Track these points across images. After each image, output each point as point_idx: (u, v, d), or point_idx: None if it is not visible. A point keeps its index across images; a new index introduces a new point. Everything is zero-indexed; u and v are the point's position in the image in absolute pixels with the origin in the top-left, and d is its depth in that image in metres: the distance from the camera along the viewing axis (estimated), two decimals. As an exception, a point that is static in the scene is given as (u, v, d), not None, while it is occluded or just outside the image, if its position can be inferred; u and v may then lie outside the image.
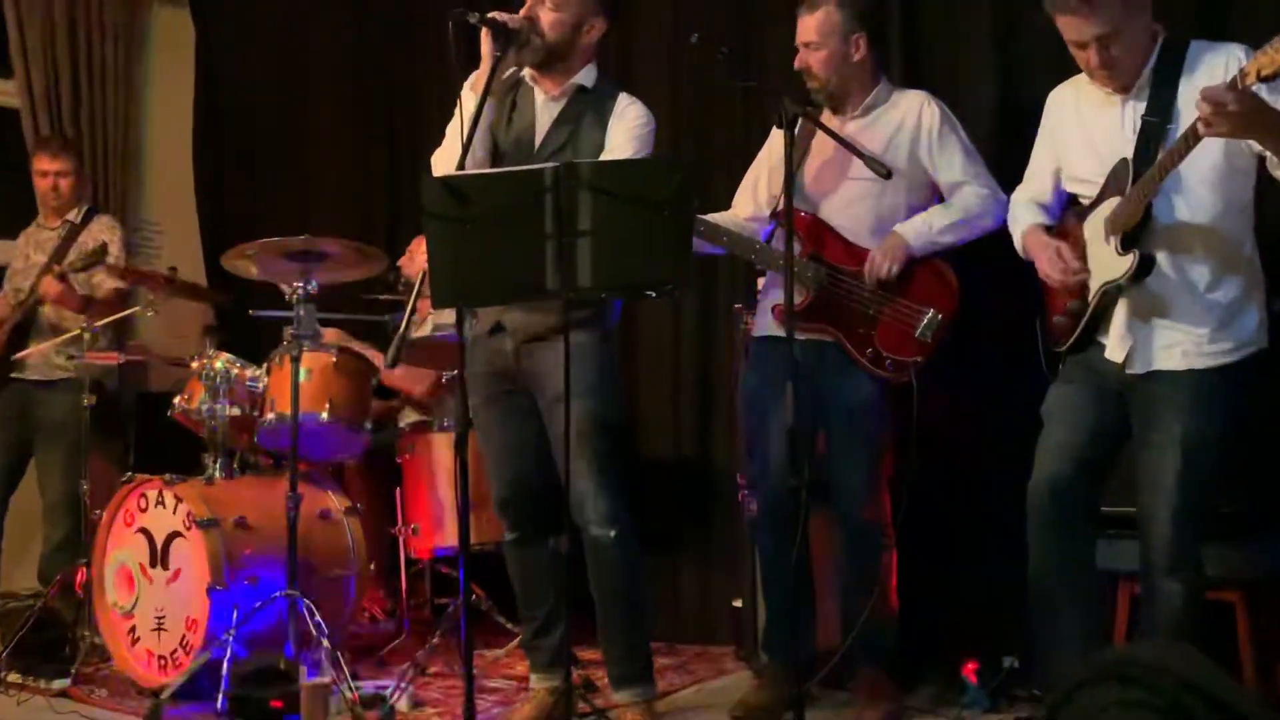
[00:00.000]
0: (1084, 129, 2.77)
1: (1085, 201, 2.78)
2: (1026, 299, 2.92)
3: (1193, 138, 2.40)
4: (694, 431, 4.29)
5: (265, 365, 3.85)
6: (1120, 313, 2.67)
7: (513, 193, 2.53)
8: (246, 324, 4.45)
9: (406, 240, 4.75)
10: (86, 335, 4.16)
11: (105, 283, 4.44)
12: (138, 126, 5.68)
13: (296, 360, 3.50)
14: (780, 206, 3.19)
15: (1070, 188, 2.86)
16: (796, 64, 3.28)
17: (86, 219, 4.61)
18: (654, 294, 2.64)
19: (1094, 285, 2.70)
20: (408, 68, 5.22)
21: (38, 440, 4.56)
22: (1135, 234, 2.60)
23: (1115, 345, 2.68)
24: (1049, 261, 2.76)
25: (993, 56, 3.68)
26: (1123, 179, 2.63)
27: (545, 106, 3.12)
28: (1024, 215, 2.94)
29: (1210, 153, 2.54)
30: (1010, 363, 3.20)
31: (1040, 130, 2.90)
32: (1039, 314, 2.90)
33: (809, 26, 3.24)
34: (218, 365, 3.85)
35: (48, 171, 4.57)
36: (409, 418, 4.55)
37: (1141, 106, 2.64)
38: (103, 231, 4.56)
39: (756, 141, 3.53)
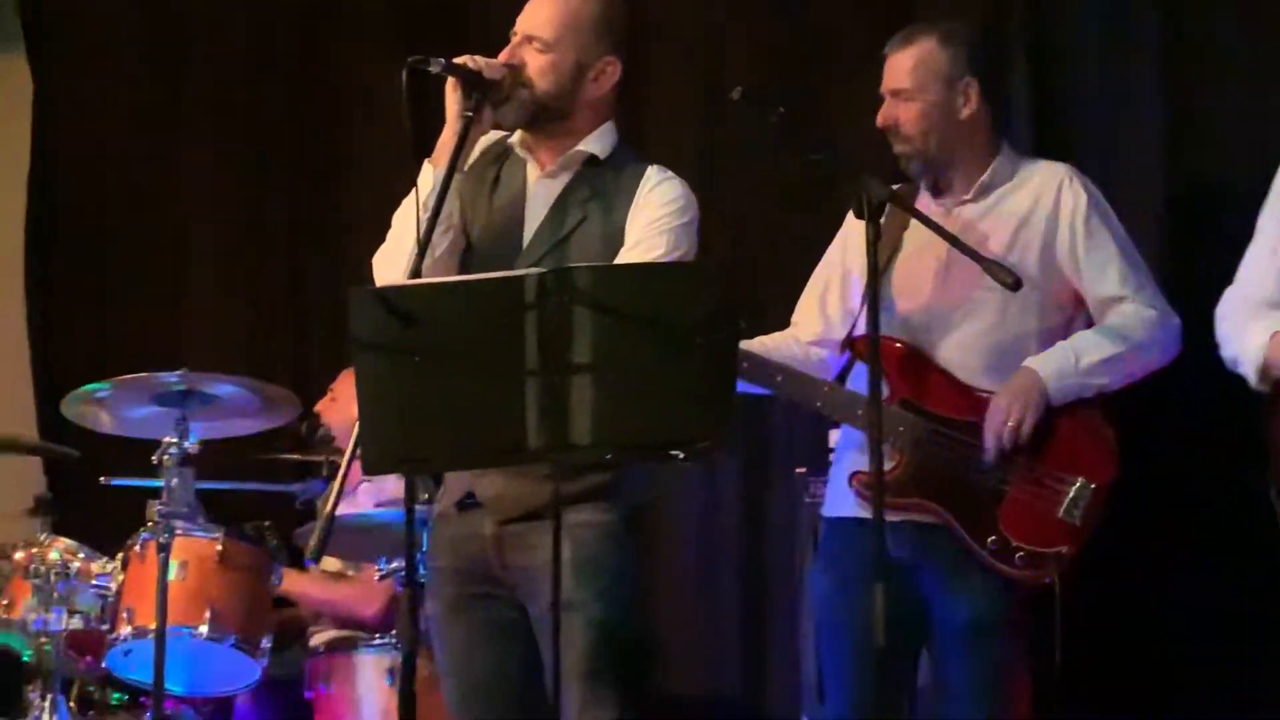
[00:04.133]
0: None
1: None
2: (1229, 449, 2.92)
3: None
4: (738, 656, 4.26)
5: (121, 557, 3.84)
6: None
7: (480, 310, 2.55)
8: (94, 496, 4.46)
9: (322, 375, 4.79)
10: None
11: None
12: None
13: (166, 550, 3.50)
14: (859, 329, 3.23)
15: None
16: (880, 120, 3.32)
17: None
18: (681, 456, 2.64)
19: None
20: (330, 134, 5.33)
21: None
22: None
23: None
24: None
25: (1162, 116, 3.75)
26: None
27: (539, 185, 3.11)
28: (1252, 323, 2.96)
29: None
30: (1209, 550, 3.19)
31: (1269, 202, 2.93)
32: (1273, 468, 2.90)
33: (900, 68, 3.30)
34: (51, 556, 3.85)
35: None
36: (324, 633, 4.53)
37: None
38: None
39: (825, 236, 3.57)
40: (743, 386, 3.21)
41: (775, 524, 4.19)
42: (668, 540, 4.38)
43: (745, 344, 3.25)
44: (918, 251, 3.32)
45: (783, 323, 3.52)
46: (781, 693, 4.17)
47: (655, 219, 3.03)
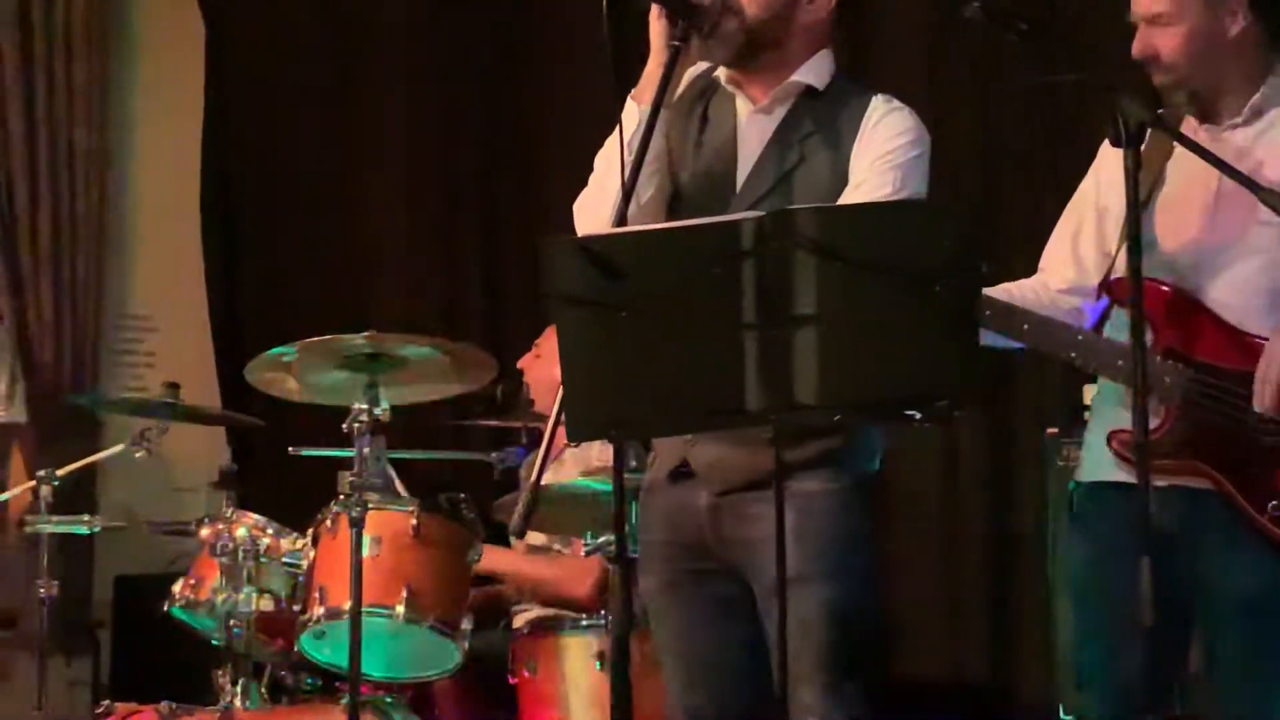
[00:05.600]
0: None
1: None
2: None
3: None
4: (984, 637, 4.26)
5: (311, 532, 3.92)
6: None
7: (692, 259, 2.54)
8: (281, 468, 4.57)
9: (518, 335, 4.83)
10: (45, 488, 4.32)
11: None
12: (119, 169, 5.97)
13: (359, 525, 3.55)
14: (1117, 272, 3.16)
15: None
16: (1137, 50, 3.23)
17: None
18: (918, 417, 2.60)
19: None
20: (524, 73, 5.37)
21: None
22: None
23: None
24: None
25: None
26: None
27: (751, 122, 3.12)
28: None
29: None
30: None
31: None
32: None
33: (1154, -11, 3.22)
34: (239, 533, 3.94)
35: None
36: (528, 613, 4.58)
37: None
38: None
39: (1074, 168, 3.50)
40: (985, 338, 3.15)
41: (1023, 491, 4.14)
42: (903, 511, 4.38)
43: (987, 291, 3.19)
44: (1184, 183, 3.24)
45: (1028, 268, 3.46)
46: (1033, 679, 4.16)
47: (882, 154, 3.01)
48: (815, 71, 3.09)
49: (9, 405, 4.52)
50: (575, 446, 4.31)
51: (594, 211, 3.03)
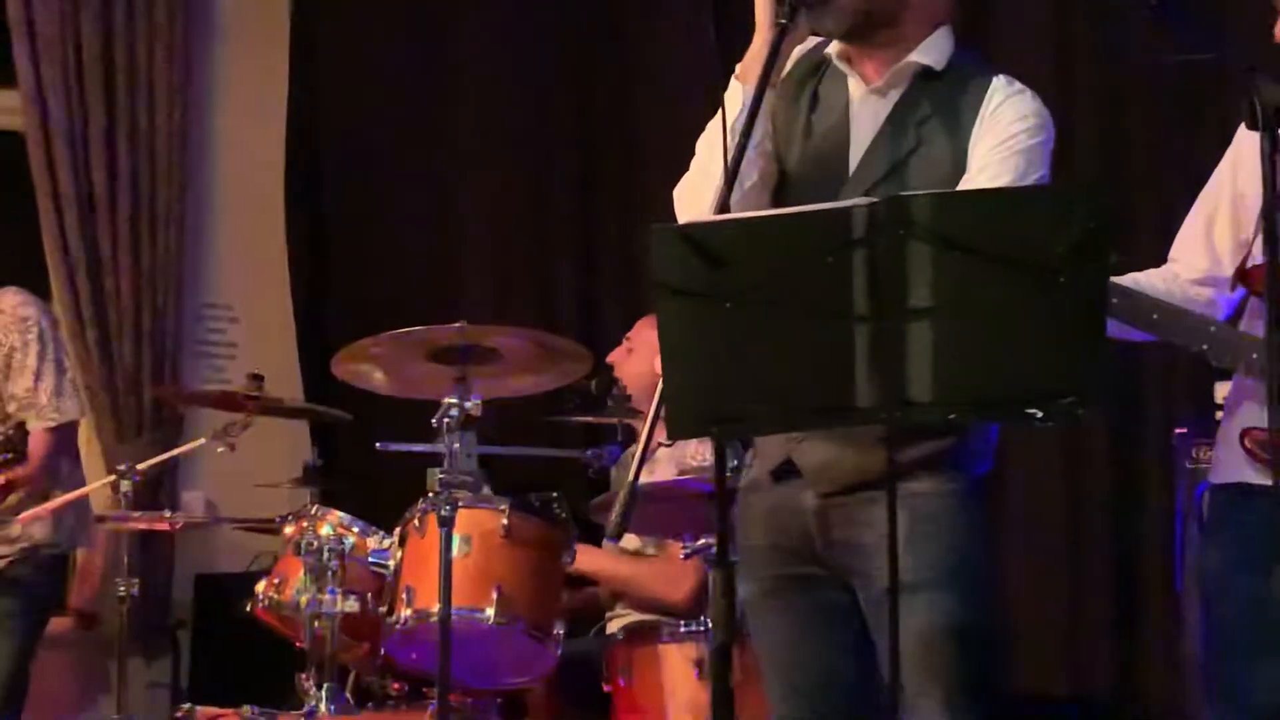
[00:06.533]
0: None
1: None
2: None
3: None
4: (1109, 648, 4.21)
5: (398, 531, 3.93)
6: None
7: (801, 247, 2.51)
8: (366, 464, 4.59)
9: (613, 326, 4.83)
10: (125, 483, 4.37)
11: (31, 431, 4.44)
12: (200, 156, 6.03)
13: (448, 524, 3.56)
14: (1253, 261, 3.12)
15: None
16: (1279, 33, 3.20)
17: None
18: (1040, 415, 2.57)
19: None
20: (619, 52, 5.36)
21: None
22: None
23: None
24: None
25: None
26: None
27: (865, 104, 3.08)
28: None
29: None
30: None
31: None
32: None
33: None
34: (323, 531, 3.97)
35: None
36: (623, 618, 4.58)
37: None
38: (10, 332, 4.50)
39: (1206, 154, 3.47)
40: (1111, 329, 3.11)
41: (1149, 494, 4.08)
42: (1023, 515, 4.34)
43: (1114, 280, 3.15)
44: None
45: (1157, 259, 3.42)
46: (1163, 693, 4.09)
47: (1004, 139, 2.97)
48: (933, 51, 3.05)
49: (90, 398, 4.56)
50: (670, 445, 4.31)
51: (695, 197, 3.01)
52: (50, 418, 4.48)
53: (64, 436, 4.59)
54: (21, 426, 4.26)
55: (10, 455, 4.20)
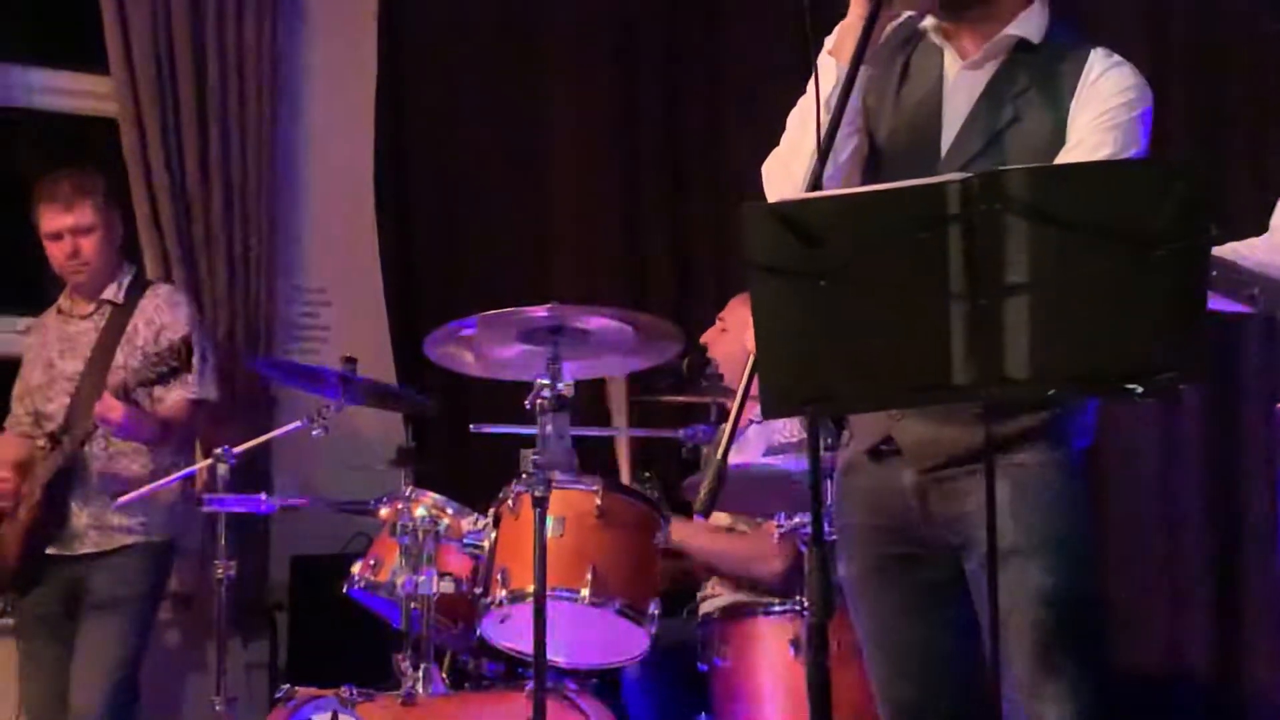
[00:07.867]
0: None
1: None
2: None
3: None
4: (1208, 627, 4.18)
5: (492, 512, 3.96)
6: None
7: (895, 224, 2.50)
8: (459, 445, 4.61)
9: (705, 305, 4.82)
10: (222, 466, 4.42)
11: (172, 393, 4.64)
12: (290, 141, 6.07)
13: (542, 505, 3.57)
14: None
15: None
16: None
17: (133, 295, 4.80)
18: (1139, 391, 2.54)
19: None
20: (706, 26, 5.34)
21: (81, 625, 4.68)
22: None
23: None
24: None
25: None
26: None
27: (960, 78, 3.06)
28: None
29: None
30: None
31: None
32: None
33: None
34: (419, 513, 3.99)
35: (60, 231, 4.72)
36: (718, 598, 4.58)
37: None
38: (163, 312, 4.75)
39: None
40: (1211, 302, 3.07)
41: (1249, 469, 4.05)
42: (1120, 491, 4.30)
43: (1214, 251, 3.11)
44: None
45: (1252, 227, 3.38)
46: (1262, 671, 4.05)
47: (1102, 113, 2.94)
48: (1030, 23, 3.03)
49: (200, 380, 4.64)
50: (759, 423, 4.30)
51: (785, 174, 3.00)
52: (194, 390, 4.65)
53: (197, 413, 4.74)
54: (187, 340, 4.37)
55: (176, 364, 4.34)
